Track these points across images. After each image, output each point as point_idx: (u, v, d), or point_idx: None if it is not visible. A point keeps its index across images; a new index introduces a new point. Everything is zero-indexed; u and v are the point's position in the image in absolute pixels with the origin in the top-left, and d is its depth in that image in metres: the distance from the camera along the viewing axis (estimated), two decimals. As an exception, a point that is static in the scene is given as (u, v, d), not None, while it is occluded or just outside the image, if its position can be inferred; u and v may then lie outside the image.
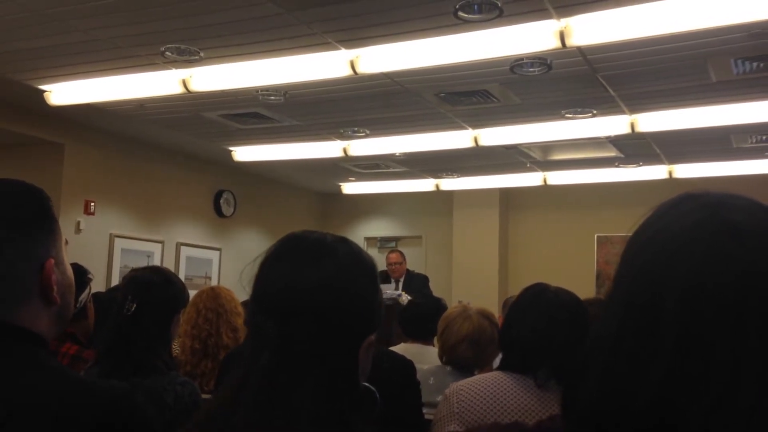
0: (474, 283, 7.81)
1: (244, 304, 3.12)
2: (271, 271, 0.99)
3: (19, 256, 0.97)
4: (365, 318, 0.99)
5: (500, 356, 1.93)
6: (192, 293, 2.34)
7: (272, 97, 4.86)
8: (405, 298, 5.24)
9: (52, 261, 1.00)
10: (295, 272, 0.97)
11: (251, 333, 0.98)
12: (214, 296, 2.89)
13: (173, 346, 2.79)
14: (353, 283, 0.98)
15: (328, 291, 0.96)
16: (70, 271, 1.05)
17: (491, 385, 1.75)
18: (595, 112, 5.01)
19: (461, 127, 5.58)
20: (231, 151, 6.66)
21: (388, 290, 5.56)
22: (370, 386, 0.99)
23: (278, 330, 0.94)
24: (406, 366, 2.28)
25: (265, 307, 0.97)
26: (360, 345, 0.97)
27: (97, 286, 4.26)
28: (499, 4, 3.32)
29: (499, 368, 1.84)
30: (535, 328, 1.77)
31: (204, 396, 2.05)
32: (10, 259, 0.97)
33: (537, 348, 1.74)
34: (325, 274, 0.96)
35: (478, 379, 1.81)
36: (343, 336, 0.96)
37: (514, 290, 1.98)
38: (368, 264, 1.03)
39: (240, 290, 3.10)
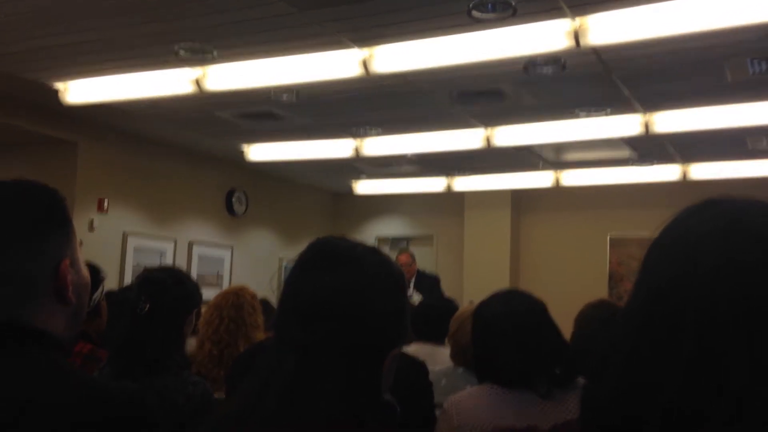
0: (485, 284, 7.72)
1: (262, 301, 3.12)
2: (299, 276, 0.99)
3: (34, 256, 0.97)
4: (390, 328, 0.98)
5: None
6: (204, 291, 2.33)
7: (285, 96, 4.87)
8: (417, 297, 5.24)
9: (67, 261, 1.00)
10: (321, 277, 0.97)
11: (277, 337, 0.98)
12: (237, 306, 2.85)
13: (188, 344, 2.80)
14: (378, 292, 0.97)
15: (351, 297, 0.95)
16: (85, 271, 1.06)
17: (490, 396, 1.72)
18: (608, 111, 4.98)
19: (474, 127, 5.56)
20: (243, 150, 6.68)
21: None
22: (392, 399, 0.99)
23: (303, 335, 0.93)
24: (419, 367, 2.27)
25: (291, 311, 0.97)
26: (385, 356, 0.96)
27: (110, 284, 4.29)
28: (513, 3, 3.30)
29: (495, 383, 1.78)
30: (516, 344, 1.73)
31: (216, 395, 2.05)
32: (25, 260, 0.97)
33: (524, 364, 1.71)
34: (349, 279, 0.96)
35: (476, 390, 1.78)
36: (367, 344, 0.95)
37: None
38: (396, 275, 1.02)
39: (253, 288, 3.08)
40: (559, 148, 6.22)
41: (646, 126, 5.11)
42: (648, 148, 5.95)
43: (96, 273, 2.63)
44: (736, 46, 3.70)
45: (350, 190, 8.49)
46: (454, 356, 2.74)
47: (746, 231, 0.63)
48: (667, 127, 5.14)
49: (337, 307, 0.94)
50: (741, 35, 3.52)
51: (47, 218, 1.01)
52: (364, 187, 8.34)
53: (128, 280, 6.20)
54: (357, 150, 6.29)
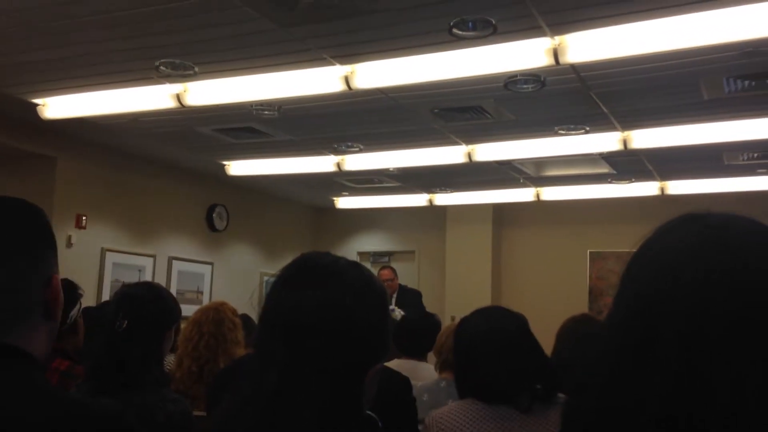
0: (467, 299, 7.76)
1: (243, 317, 3.09)
2: (281, 291, 0.99)
3: (29, 272, 0.97)
4: (372, 343, 0.98)
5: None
6: (184, 308, 2.30)
7: (266, 112, 4.86)
8: (398, 313, 5.22)
9: (58, 277, 1.00)
10: (303, 292, 0.96)
11: (259, 353, 0.97)
12: (217, 321, 2.81)
13: (167, 361, 2.76)
14: (360, 307, 0.97)
15: (334, 312, 0.95)
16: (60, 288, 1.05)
17: (471, 411, 1.72)
18: (587, 128, 5.03)
19: (455, 143, 5.60)
20: (224, 165, 6.65)
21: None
22: (373, 414, 0.98)
23: (285, 350, 0.93)
24: (402, 382, 2.26)
25: (273, 327, 0.96)
26: (367, 371, 0.96)
27: (88, 300, 4.23)
28: (494, 22, 3.34)
29: (476, 398, 1.78)
30: (498, 361, 1.73)
31: (196, 413, 2.02)
32: (21, 275, 0.96)
33: (506, 380, 1.71)
34: (331, 294, 0.96)
35: (457, 406, 1.77)
36: (349, 359, 0.95)
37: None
38: (378, 291, 1.02)
39: (233, 304, 3.06)
40: (540, 163, 6.28)
41: (624, 142, 5.17)
42: (626, 164, 6.02)
43: (73, 290, 2.59)
44: (711, 65, 3.77)
45: (332, 205, 8.47)
46: (441, 364, 2.74)
47: (726, 245, 0.64)
48: (644, 144, 5.21)
49: (320, 322, 0.94)
50: (716, 54, 3.59)
51: (39, 235, 1.01)
52: (345, 202, 8.34)
53: (106, 296, 6.12)
54: (339, 165, 6.29)
